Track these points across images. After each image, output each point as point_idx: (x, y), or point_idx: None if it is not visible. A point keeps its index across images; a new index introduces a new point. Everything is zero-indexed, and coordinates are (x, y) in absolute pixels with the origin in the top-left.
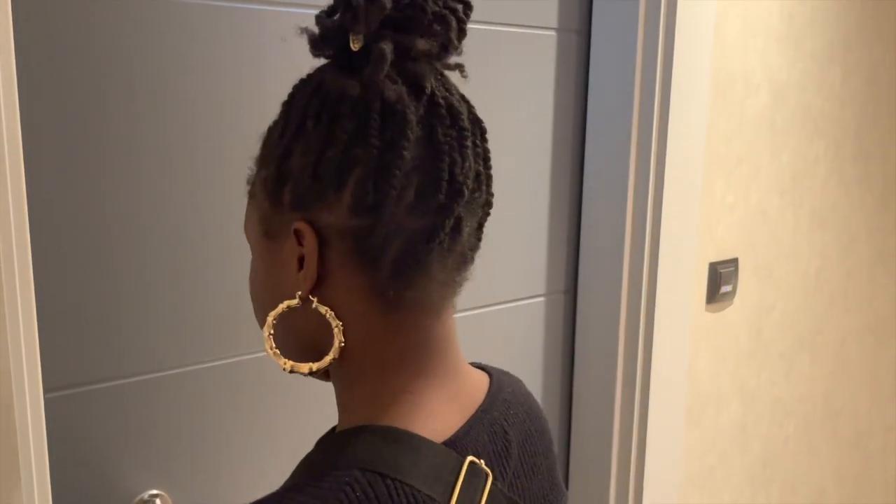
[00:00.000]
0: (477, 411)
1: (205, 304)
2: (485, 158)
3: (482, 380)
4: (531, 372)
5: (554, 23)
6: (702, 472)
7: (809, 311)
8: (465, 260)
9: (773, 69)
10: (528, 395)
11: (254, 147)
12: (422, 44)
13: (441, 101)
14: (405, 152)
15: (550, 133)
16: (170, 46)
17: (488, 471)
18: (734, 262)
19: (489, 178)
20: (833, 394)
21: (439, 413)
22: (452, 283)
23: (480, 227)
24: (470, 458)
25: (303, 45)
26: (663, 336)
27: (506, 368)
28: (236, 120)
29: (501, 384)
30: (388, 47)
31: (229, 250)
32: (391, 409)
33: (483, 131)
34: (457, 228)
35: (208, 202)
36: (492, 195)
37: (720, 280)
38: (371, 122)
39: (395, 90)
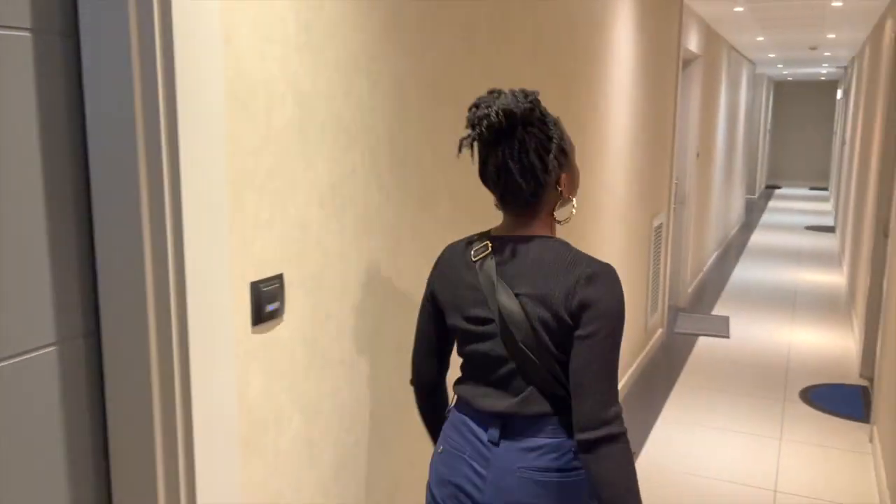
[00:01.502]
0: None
1: None
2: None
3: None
4: (49, 442)
5: (27, 22)
6: (267, 499)
7: (365, 314)
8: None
9: (297, 79)
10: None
11: None
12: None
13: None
14: None
15: (39, 153)
16: None
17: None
18: (279, 278)
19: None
20: (397, 389)
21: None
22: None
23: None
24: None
25: None
26: (204, 368)
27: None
28: None
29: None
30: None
31: None
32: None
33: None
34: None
35: None
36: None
37: (265, 298)
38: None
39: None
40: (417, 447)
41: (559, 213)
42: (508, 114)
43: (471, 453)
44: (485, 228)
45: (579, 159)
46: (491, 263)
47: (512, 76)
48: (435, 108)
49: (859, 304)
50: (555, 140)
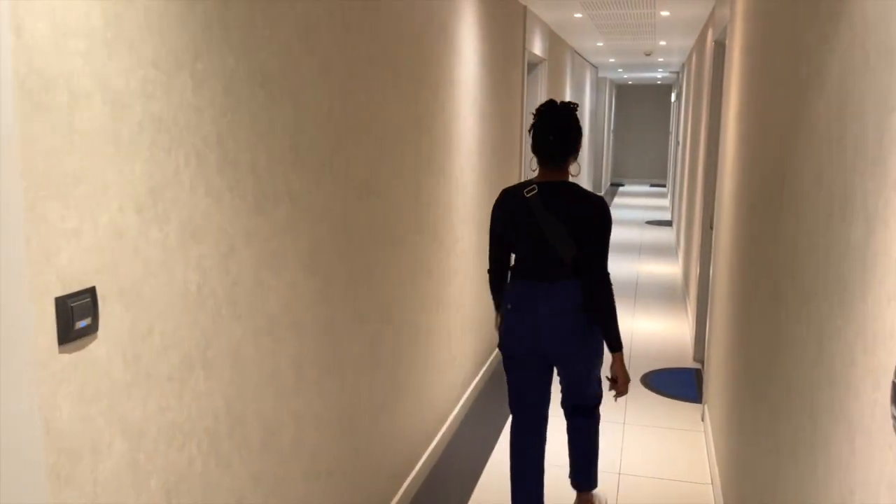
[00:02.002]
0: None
1: None
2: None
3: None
4: None
5: None
6: None
7: (195, 326)
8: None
9: (106, 75)
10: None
11: None
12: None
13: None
14: None
15: None
16: None
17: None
18: (90, 291)
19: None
20: (235, 402)
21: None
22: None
23: None
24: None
25: None
26: (0, 395)
27: None
28: None
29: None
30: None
31: None
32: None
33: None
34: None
35: None
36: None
37: (74, 315)
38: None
39: None
40: (259, 459)
41: (572, 169)
42: (567, 111)
43: (527, 302)
44: (330, 231)
45: (427, 160)
46: (538, 197)
47: (354, 77)
48: (270, 107)
49: (692, 293)
50: (580, 133)
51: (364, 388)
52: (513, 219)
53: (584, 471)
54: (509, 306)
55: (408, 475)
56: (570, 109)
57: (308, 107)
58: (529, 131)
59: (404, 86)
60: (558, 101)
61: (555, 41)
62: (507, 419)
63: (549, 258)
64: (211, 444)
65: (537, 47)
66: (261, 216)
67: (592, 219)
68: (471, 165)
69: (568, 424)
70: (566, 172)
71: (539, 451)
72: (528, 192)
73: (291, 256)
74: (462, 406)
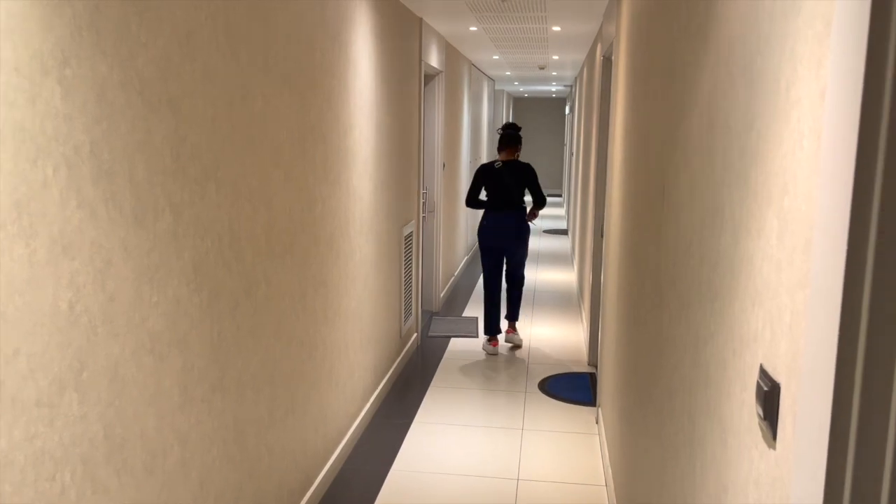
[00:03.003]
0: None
1: None
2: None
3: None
4: None
5: None
6: None
7: (67, 346)
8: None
9: None
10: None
11: None
12: None
13: None
14: None
15: None
16: None
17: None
18: None
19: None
20: (113, 425)
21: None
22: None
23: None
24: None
25: None
26: None
27: None
28: None
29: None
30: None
31: None
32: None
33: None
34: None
35: None
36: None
37: None
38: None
39: None
40: (142, 484)
41: (518, 154)
42: (515, 128)
43: (496, 220)
44: (216, 243)
45: (322, 169)
46: (502, 167)
47: (240, 85)
48: (147, 116)
49: (586, 299)
50: (521, 138)
51: (257, 405)
52: (490, 178)
53: (515, 311)
54: (485, 223)
55: (306, 492)
56: (518, 127)
57: (190, 115)
58: (498, 131)
59: (296, 94)
60: (509, 122)
61: (451, 53)
62: (409, 428)
63: (508, 199)
64: (86, 471)
65: (434, 59)
66: (140, 229)
67: (529, 175)
68: (368, 175)
69: (508, 289)
70: (516, 155)
71: (499, 287)
72: (497, 166)
73: (175, 270)
74: (363, 418)
